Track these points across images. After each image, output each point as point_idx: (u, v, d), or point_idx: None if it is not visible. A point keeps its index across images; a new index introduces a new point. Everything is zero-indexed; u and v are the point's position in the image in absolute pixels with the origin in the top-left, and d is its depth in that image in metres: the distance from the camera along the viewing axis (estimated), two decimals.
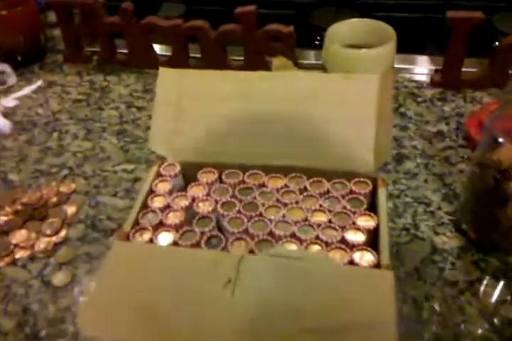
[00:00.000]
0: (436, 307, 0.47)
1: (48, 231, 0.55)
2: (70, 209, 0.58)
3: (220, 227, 0.45)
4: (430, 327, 0.46)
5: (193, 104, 0.50)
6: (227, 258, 0.40)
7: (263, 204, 0.45)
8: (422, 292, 0.49)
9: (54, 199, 0.59)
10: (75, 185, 0.61)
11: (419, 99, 0.74)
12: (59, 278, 0.50)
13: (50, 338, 0.46)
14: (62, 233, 0.55)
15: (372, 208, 0.45)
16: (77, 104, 0.75)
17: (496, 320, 0.46)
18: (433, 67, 0.79)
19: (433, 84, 0.76)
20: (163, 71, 0.51)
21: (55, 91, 0.78)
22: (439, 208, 0.57)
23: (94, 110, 0.73)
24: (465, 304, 0.48)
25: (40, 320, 0.47)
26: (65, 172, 0.63)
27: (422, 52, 0.85)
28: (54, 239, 0.54)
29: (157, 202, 0.46)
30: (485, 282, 0.49)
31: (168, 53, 0.80)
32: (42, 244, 0.54)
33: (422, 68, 0.81)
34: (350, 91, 0.49)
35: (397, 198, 0.58)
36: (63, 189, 0.60)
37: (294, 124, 0.49)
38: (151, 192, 0.47)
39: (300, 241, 0.42)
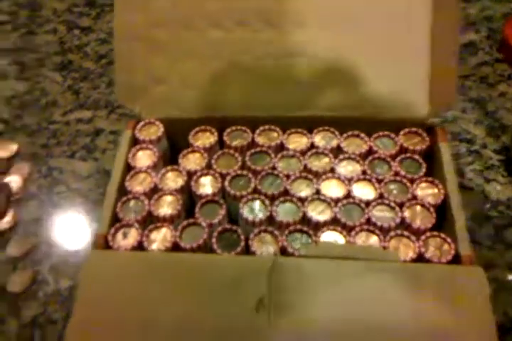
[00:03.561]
0: (499, 278, 0.39)
1: None
2: (15, 181, 0.43)
3: (232, 215, 0.33)
4: (496, 306, 0.37)
5: (172, 34, 0.35)
6: (253, 266, 0.28)
7: (287, 177, 0.33)
8: (479, 259, 0.39)
9: None
10: (16, 146, 0.46)
11: None
12: (15, 281, 0.38)
13: None
14: (10, 216, 0.41)
15: (428, 170, 0.34)
16: None
17: None
18: None
19: None
20: None
21: None
22: (485, 146, 0.46)
23: (24, 35, 0.55)
24: None
25: None
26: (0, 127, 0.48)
27: None
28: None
29: (139, 184, 0.33)
30: None
31: None
32: None
33: None
34: (393, 4, 0.34)
35: None
36: (0, 152, 0.45)
37: (318, 58, 0.35)
38: (128, 167, 0.34)
39: (346, 228, 0.31)
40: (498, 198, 0.43)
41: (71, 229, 0.41)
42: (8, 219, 0.41)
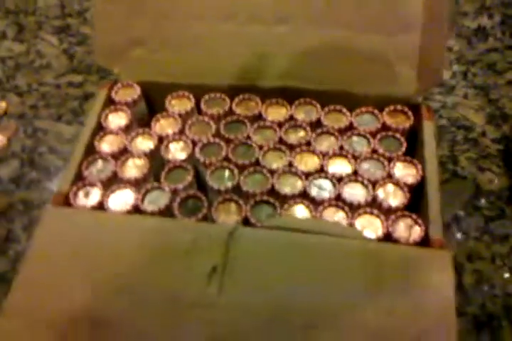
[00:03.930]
0: (483, 270, 0.37)
1: None
2: (0, 140, 0.43)
3: (200, 182, 0.32)
4: (475, 298, 0.36)
5: None
6: (212, 233, 0.27)
7: (260, 147, 0.32)
8: (464, 250, 0.38)
9: None
10: (4, 104, 0.46)
11: None
12: None
13: None
14: None
15: (411, 149, 0.32)
16: None
17: None
18: None
19: None
20: None
21: None
22: (484, 134, 0.44)
23: None
24: None
25: None
26: None
27: None
28: None
29: (108, 145, 0.32)
30: None
31: None
32: None
33: None
34: None
35: None
36: None
37: (305, 27, 0.33)
38: (100, 128, 0.33)
39: (314, 203, 0.30)
40: (490, 188, 0.41)
41: (48, 190, 0.41)
42: None
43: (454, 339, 0.25)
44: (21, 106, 0.46)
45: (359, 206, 0.30)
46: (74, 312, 0.26)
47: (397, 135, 0.32)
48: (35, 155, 0.43)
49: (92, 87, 0.47)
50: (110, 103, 0.34)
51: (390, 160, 0.31)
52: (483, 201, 0.40)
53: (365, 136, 0.32)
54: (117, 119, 0.33)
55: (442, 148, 0.43)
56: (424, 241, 0.28)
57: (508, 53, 0.49)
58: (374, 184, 0.30)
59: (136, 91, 0.34)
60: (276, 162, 0.31)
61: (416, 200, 0.30)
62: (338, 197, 0.30)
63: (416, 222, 0.29)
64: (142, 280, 0.26)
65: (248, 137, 0.32)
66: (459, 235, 0.39)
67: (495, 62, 0.48)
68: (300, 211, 0.29)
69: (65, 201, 0.30)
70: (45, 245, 0.27)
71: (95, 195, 0.30)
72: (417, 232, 0.28)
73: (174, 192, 0.30)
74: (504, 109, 0.45)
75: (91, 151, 0.32)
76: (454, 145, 0.43)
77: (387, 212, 0.29)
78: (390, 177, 0.31)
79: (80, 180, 0.31)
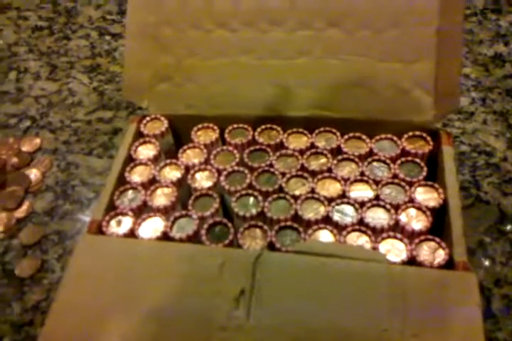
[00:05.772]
0: (511, 295, 0.37)
1: (8, 204, 0.43)
2: (35, 174, 0.45)
3: (225, 209, 0.33)
4: (505, 324, 0.35)
5: (179, 33, 0.36)
6: (238, 258, 0.28)
7: (283, 174, 0.33)
8: (491, 275, 0.38)
9: (13, 161, 0.46)
10: (39, 140, 0.48)
11: (467, 12, 0.58)
12: (24, 267, 0.39)
13: None
14: (26, 205, 0.43)
15: (432, 175, 0.33)
16: (37, 33, 0.60)
17: None
18: None
19: None
20: None
21: (9, 16, 0.62)
22: (505, 159, 0.44)
23: (59, 40, 0.58)
24: None
25: (0, 323, 0.37)
26: (26, 124, 0.50)
27: None
28: (15, 214, 0.43)
29: (138, 175, 0.34)
30: None
31: None
32: (0, 220, 0.42)
33: None
34: (398, 2, 0.34)
35: None
36: (25, 146, 0.47)
37: (323, 57, 0.35)
38: (130, 159, 0.35)
39: (337, 227, 0.30)
40: None
41: (81, 221, 0.42)
42: (24, 208, 0.43)
43: None
44: (55, 141, 0.48)
45: (382, 230, 0.30)
46: (107, 339, 0.27)
47: (417, 160, 0.33)
48: (68, 188, 0.45)
49: (121, 122, 0.49)
50: (139, 136, 0.36)
51: (410, 184, 0.32)
52: (508, 226, 0.40)
53: (385, 162, 0.33)
54: (146, 151, 0.35)
55: (464, 173, 0.43)
56: (449, 265, 0.29)
57: None
58: (396, 208, 0.31)
59: (163, 124, 0.36)
60: (298, 188, 0.32)
61: (439, 224, 0.31)
62: (361, 222, 0.31)
63: (440, 245, 0.29)
64: (172, 304, 0.27)
65: (271, 165, 0.33)
66: (485, 260, 0.39)
67: None
68: (324, 236, 0.30)
69: (99, 229, 0.31)
70: (81, 272, 0.29)
71: (127, 223, 0.31)
72: (441, 256, 0.29)
73: (201, 219, 0.31)
74: None
75: (122, 182, 0.33)
76: (475, 171, 0.44)
77: (410, 236, 0.30)
78: (411, 201, 0.31)
79: (112, 209, 0.32)
